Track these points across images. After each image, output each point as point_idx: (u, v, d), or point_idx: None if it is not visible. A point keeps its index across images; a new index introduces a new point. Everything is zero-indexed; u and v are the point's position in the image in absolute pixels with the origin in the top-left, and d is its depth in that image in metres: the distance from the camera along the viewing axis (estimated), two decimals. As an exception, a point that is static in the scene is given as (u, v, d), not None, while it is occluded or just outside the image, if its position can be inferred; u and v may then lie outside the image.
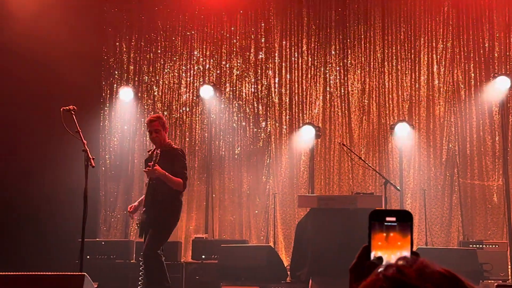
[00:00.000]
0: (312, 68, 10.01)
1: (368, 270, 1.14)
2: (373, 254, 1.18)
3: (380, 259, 1.17)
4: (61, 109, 5.41)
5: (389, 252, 1.17)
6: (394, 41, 9.87)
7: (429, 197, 9.29)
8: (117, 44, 10.34)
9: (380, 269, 1.03)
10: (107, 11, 10.17)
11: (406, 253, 1.17)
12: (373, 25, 9.93)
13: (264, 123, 10.02)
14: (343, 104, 9.86)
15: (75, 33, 8.92)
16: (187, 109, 10.18)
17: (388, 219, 1.18)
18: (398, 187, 8.31)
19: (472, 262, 7.23)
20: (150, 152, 6.28)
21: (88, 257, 7.56)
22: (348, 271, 1.18)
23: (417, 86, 9.74)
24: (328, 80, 9.95)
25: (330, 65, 9.98)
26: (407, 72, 9.78)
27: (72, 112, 5.37)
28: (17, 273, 4.52)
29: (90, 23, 9.40)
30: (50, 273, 4.88)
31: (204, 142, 10.07)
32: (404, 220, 1.19)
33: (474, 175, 9.44)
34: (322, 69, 9.99)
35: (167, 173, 5.85)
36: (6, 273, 4.52)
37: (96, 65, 10.07)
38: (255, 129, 10.02)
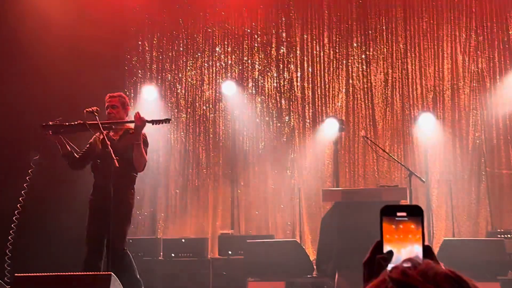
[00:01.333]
0: (334, 61, 9.97)
1: (379, 264, 1.17)
2: (385, 249, 1.20)
3: (390, 253, 1.19)
4: (85, 110, 5.46)
5: (401, 246, 1.19)
6: (416, 31, 9.78)
7: (455, 188, 9.20)
8: (140, 43, 10.43)
9: (388, 270, 1.06)
10: (129, 10, 10.25)
11: (418, 247, 1.19)
12: (395, 15, 9.84)
13: (287, 118, 10.02)
14: (366, 97, 9.81)
15: (98, 33, 9.01)
16: (210, 105, 10.22)
17: (399, 214, 1.20)
18: (423, 179, 8.24)
19: (499, 252, 7.15)
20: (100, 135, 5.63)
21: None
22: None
23: (441, 76, 9.64)
24: (350, 72, 9.90)
25: (352, 58, 9.93)
26: (430, 62, 9.68)
27: (95, 113, 5.40)
28: (43, 273, 4.60)
29: (112, 23, 9.48)
30: (77, 273, 4.96)
31: (228, 138, 10.11)
32: (415, 214, 1.21)
33: (502, 164, 9.32)
34: (344, 62, 9.94)
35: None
36: (33, 273, 4.60)
37: (119, 64, 10.16)
38: (279, 124, 10.03)
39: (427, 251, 1.20)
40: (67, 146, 5.65)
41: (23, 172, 5.76)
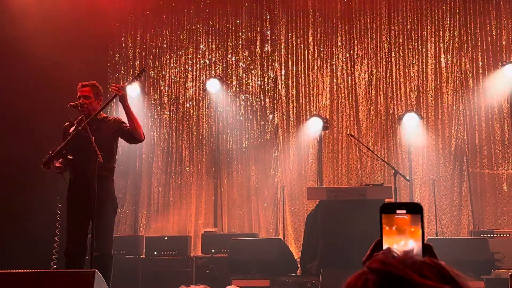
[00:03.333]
0: (319, 60, 9.97)
1: None
2: (385, 247, 1.18)
3: (387, 250, 1.17)
4: (68, 105, 5.35)
5: (398, 244, 1.17)
6: (400, 30, 9.81)
7: (438, 187, 9.24)
8: (123, 39, 10.33)
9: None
10: (112, 6, 10.14)
11: (418, 244, 1.17)
12: (379, 15, 9.87)
13: (271, 116, 9.99)
14: (350, 95, 9.82)
15: (80, 29, 8.90)
16: (194, 103, 10.16)
17: (398, 211, 1.18)
18: (408, 178, 8.26)
19: (483, 251, 7.19)
20: (72, 124, 5.33)
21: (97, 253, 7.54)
22: (360, 263, 1.19)
23: (424, 76, 9.67)
24: (335, 71, 9.90)
25: (336, 56, 9.93)
26: (414, 62, 9.72)
27: (79, 108, 5.30)
28: (24, 270, 4.50)
29: (95, 19, 9.37)
30: (60, 270, 4.87)
31: (212, 136, 10.05)
32: (415, 212, 1.19)
33: (484, 164, 9.38)
34: (329, 60, 9.94)
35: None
36: (13, 270, 4.50)
37: (102, 61, 10.05)
38: (262, 122, 10.00)
39: (428, 249, 1.19)
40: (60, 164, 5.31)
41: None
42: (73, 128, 5.34)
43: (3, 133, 8.07)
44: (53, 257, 5.53)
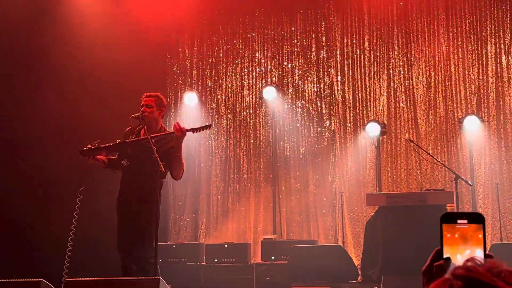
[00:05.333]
0: (375, 65, 9.89)
1: (437, 271, 1.14)
2: (445, 256, 1.17)
3: (448, 259, 1.16)
4: (130, 116, 5.50)
5: (461, 254, 1.16)
6: (459, 32, 9.62)
7: (502, 191, 8.99)
8: (180, 50, 10.53)
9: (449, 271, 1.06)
10: (169, 18, 10.34)
11: (480, 254, 1.16)
12: (437, 17, 9.71)
13: (328, 122, 9.96)
14: (408, 100, 9.69)
15: (139, 41, 9.11)
16: (251, 111, 10.24)
17: (459, 221, 1.17)
18: (470, 182, 8.09)
19: (551, 257, 6.96)
20: (133, 131, 5.52)
21: (160, 260, 7.70)
22: (421, 269, 1.19)
23: (485, 77, 9.45)
24: (391, 75, 9.80)
25: (393, 61, 9.82)
26: (474, 64, 9.51)
27: (141, 119, 5.43)
28: (93, 278, 4.64)
29: (154, 32, 9.58)
30: (125, 278, 5.00)
31: (269, 143, 10.10)
32: (476, 221, 1.17)
33: (549, 167, 9.09)
34: (385, 65, 9.85)
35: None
36: (80, 278, 4.64)
37: (160, 72, 10.27)
38: (319, 128, 9.98)
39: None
40: (105, 158, 5.52)
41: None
42: (132, 135, 5.50)
43: (72, 142, 8.32)
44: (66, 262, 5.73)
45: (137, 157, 5.35)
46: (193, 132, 5.33)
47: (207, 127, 5.49)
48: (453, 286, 1.00)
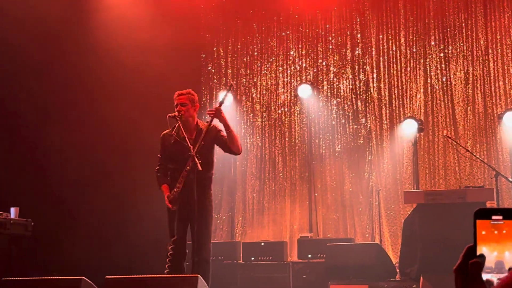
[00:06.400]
0: (412, 61, 9.77)
1: (473, 269, 1.11)
2: (479, 254, 1.15)
3: (482, 256, 1.14)
4: (167, 116, 5.54)
5: (496, 250, 1.14)
6: (497, 27, 9.44)
7: (544, 188, 8.80)
8: (215, 49, 10.57)
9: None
10: (204, 17, 10.40)
11: None
12: (475, 11, 9.54)
13: (363, 119, 9.89)
14: (445, 96, 9.56)
15: (174, 42, 9.17)
16: (286, 109, 10.23)
17: (494, 217, 1.15)
18: (510, 179, 7.94)
19: None
20: (170, 133, 5.53)
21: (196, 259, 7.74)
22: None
23: (525, 72, 9.26)
24: (428, 71, 9.67)
25: (430, 56, 9.69)
26: (513, 58, 9.32)
27: (178, 118, 5.48)
28: (132, 275, 4.69)
29: (189, 32, 9.63)
30: (164, 275, 5.04)
31: (304, 141, 10.08)
32: None
33: None
34: (422, 61, 9.72)
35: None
36: (121, 276, 4.70)
37: (196, 71, 10.33)
38: (355, 126, 9.92)
39: None
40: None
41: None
42: (171, 138, 5.54)
43: (114, 141, 8.44)
44: None
45: (179, 157, 5.42)
46: (222, 103, 5.44)
47: (230, 87, 5.68)
48: None
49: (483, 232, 1.15)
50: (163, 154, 5.65)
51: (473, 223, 1.15)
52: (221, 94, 5.53)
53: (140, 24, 8.90)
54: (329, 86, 10.10)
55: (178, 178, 5.37)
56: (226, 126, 5.42)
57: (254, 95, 10.39)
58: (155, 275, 4.73)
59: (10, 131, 7.70)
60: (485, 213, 1.16)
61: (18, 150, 7.74)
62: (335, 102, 10.04)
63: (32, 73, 7.92)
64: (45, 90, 8.02)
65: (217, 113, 5.34)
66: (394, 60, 9.84)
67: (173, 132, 5.53)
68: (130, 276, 4.64)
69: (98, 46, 8.59)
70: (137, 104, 8.60)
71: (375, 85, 9.89)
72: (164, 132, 5.69)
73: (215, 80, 10.55)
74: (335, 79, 10.10)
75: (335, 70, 10.10)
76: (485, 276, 1.12)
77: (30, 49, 7.72)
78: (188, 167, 5.23)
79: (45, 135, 7.82)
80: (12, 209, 6.12)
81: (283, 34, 10.35)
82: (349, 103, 9.98)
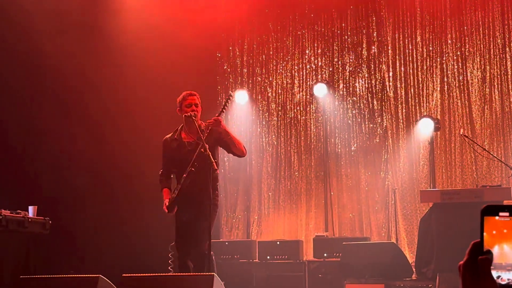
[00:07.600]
0: (428, 59, 9.72)
1: (482, 265, 1.12)
2: (485, 250, 1.15)
3: (489, 253, 1.14)
4: (184, 115, 5.61)
5: (503, 247, 1.15)
6: (515, 25, 9.37)
7: (562, 187, 8.71)
8: (230, 48, 10.59)
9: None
10: (219, 17, 10.42)
11: None
12: (491, 9, 9.47)
13: (379, 118, 9.86)
14: (462, 94, 9.50)
15: (190, 41, 9.21)
16: (301, 108, 10.22)
17: (501, 214, 1.15)
18: (528, 178, 7.88)
19: None
20: (173, 137, 5.72)
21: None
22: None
23: (543, 70, 9.18)
24: (445, 70, 9.62)
25: (446, 55, 9.64)
26: (531, 56, 9.24)
27: (193, 117, 5.53)
28: (148, 274, 4.73)
29: (204, 31, 9.66)
30: (179, 273, 5.07)
31: (320, 140, 10.07)
32: None
33: None
34: (439, 59, 9.67)
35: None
36: (137, 274, 4.74)
37: (211, 71, 10.36)
38: (371, 125, 9.89)
39: None
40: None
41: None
42: (174, 141, 5.66)
43: (132, 140, 8.50)
44: None
45: (183, 158, 5.54)
46: (223, 112, 5.54)
47: (229, 97, 5.72)
48: None
49: (488, 229, 1.16)
50: (166, 158, 5.77)
51: (480, 220, 1.16)
52: (222, 106, 5.59)
53: (156, 24, 8.94)
54: (344, 85, 10.08)
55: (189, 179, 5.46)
56: (225, 133, 5.54)
57: (269, 94, 10.40)
58: (171, 274, 4.76)
59: (27, 130, 7.79)
60: (492, 210, 1.17)
61: (37, 150, 7.82)
62: (351, 101, 10.02)
63: (49, 72, 8.00)
64: (63, 90, 8.11)
65: (217, 124, 5.45)
66: (410, 59, 9.80)
67: (175, 136, 5.69)
68: (146, 274, 4.68)
69: (114, 48, 8.66)
70: (151, 103, 8.65)
71: (391, 84, 9.85)
72: (166, 136, 5.81)
73: (230, 80, 10.57)
74: (351, 78, 10.08)
75: (351, 69, 10.08)
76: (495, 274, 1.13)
77: (34, 51, 7.81)
78: (192, 169, 5.32)
79: (62, 130, 7.91)
80: (30, 208, 6.19)
81: (299, 33, 10.35)
82: (365, 102, 9.96)
